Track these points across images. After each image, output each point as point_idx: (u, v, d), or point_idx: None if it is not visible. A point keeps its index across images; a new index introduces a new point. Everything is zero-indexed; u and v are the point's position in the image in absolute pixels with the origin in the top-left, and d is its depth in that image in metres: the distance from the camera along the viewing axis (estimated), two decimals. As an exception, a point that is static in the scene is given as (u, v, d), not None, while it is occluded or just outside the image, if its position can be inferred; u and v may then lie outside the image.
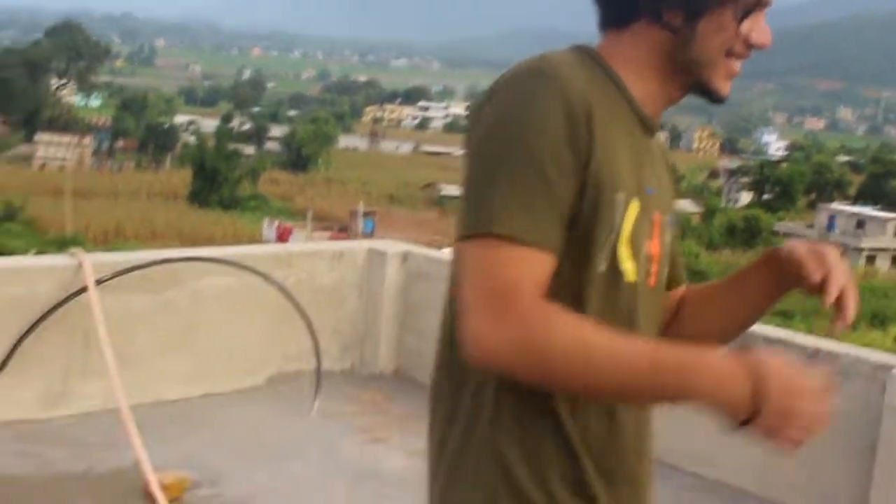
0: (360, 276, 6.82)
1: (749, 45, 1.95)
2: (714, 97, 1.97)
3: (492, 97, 1.80)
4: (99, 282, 5.62)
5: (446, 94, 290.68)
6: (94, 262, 5.68)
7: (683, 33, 1.90)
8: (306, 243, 7.49)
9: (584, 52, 1.92)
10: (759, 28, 1.94)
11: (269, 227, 63.91)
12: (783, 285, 2.02)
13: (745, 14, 1.91)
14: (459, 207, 1.77)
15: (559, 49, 1.94)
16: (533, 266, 1.70)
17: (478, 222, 1.72)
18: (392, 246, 7.02)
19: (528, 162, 1.72)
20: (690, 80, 1.96)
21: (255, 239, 60.49)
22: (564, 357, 1.66)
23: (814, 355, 5.30)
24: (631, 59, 1.93)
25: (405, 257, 6.87)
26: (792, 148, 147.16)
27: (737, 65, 1.96)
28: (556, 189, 1.73)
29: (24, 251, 52.96)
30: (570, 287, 1.78)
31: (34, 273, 5.64)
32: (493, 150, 1.75)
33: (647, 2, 1.90)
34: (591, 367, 1.66)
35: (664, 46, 1.92)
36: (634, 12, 1.92)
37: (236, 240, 62.04)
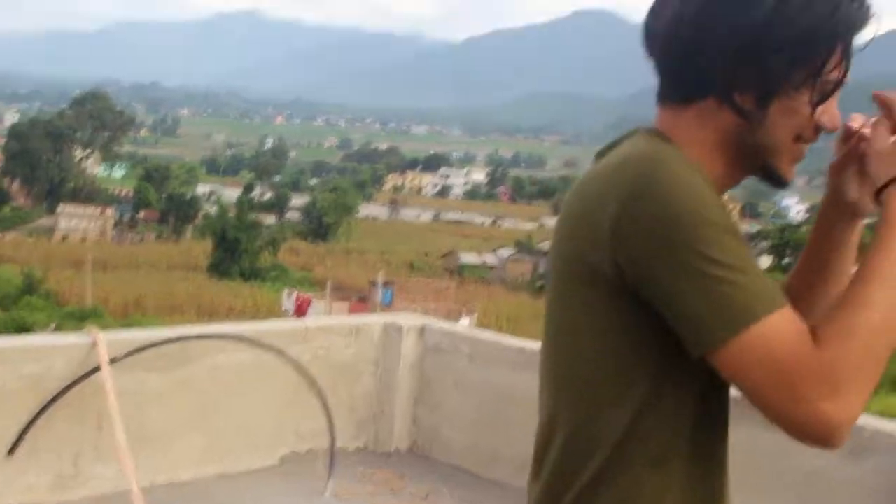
0: (377, 351, 6.77)
1: (819, 130, 1.86)
2: (778, 183, 1.89)
3: (633, 192, 1.69)
4: (113, 360, 5.58)
5: (467, 161, 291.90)
6: (108, 340, 5.64)
7: (754, 117, 1.81)
8: (323, 318, 7.47)
9: (659, 137, 1.84)
10: (830, 111, 1.85)
11: (288, 299, 63.97)
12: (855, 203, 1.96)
13: (822, 99, 1.82)
14: (692, 315, 1.65)
15: (628, 134, 1.89)
16: (798, 323, 1.66)
17: (739, 316, 1.63)
18: (409, 319, 6.97)
19: (734, 237, 1.67)
20: (755, 164, 1.87)
21: (275, 310, 60.51)
22: (878, 338, 1.65)
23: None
24: (697, 140, 1.84)
25: (422, 331, 6.83)
26: (812, 210, 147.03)
27: (804, 149, 1.88)
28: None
29: (43, 325, 53.17)
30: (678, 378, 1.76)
31: (49, 351, 5.61)
32: (695, 240, 1.64)
33: (719, 81, 1.80)
34: (886, 320, 1.66)
35: (732, 129, 1.83)
36: (703, 90, 1.83)
37: (256, 311, 62.21)
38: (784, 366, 1.62)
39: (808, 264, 2.07)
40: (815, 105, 1.81)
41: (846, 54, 1.82)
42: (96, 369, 5.51)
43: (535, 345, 6.00)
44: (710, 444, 1.83)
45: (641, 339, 1.73)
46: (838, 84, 1.83)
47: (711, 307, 1.63)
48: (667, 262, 1.66)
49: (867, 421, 5.24)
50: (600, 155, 1.92)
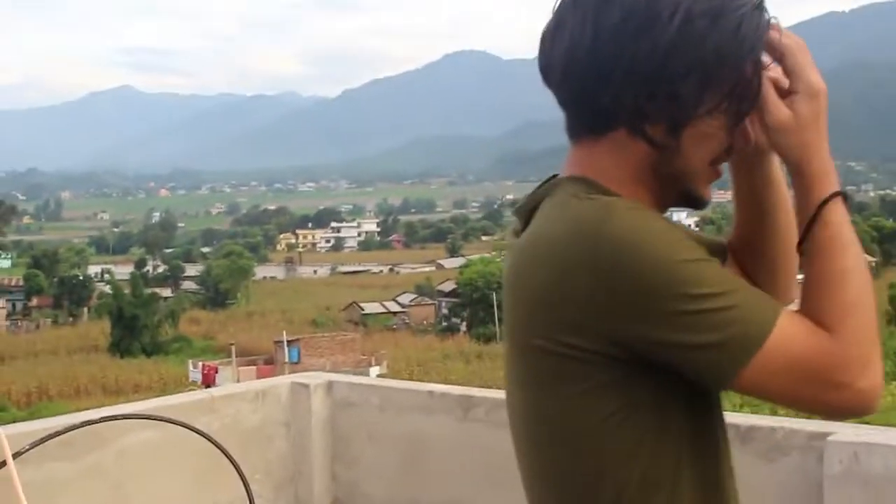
0: (286, 412, 6.70)
1: (731, 149, 1.79)
2: (698, 205, 1.83)
3: (598, 261, 1.61)
4: (17, 454, 5.45)
5: (356, 212, 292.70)
6: (10, 434, 5.49)
7: (667, 147, 1.73)
8: (228, 386, 7.37)
9: (588, 185, 1.74)
10: (740, 128, 1.78)
11: (194, 369, 63.36)
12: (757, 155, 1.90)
13: (738, 122, 1.75)
14: (706, 355, 1.62)
15: (550, 186, 1.79)
16: (802, 318, 1.67)
17: (751, 335, 1.61)
18: (315, 378, 6.92)
19: (709, 263, 1.64)
20: (675, 191, 1.79)
21: (183, 382, 59.85)
22: (868, 301, 1.68)
23: (749, 433, 5.27)
24: (616, 176, 1.75)
25: (329, 387, 6.77)
26: (702, 222, 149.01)
27: (720, 169, 1.82)
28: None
29: (-54, 424, 51.62)
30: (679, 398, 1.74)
31: (-50, 453, 5.46)
32: (679, 284, 1.59)
33: (627, 112, 1.71)
34: (864, 282, 1.70)
35: (646, 160, 1.74)
36: (610, 122, 1.74)
37: (163, 385, 61.47)
38: (811, 363, 1.63)
39: (748, 214, 2.00)
40: (730, 129, 1.75)
41: (756, 70, 1.73)
42: (1, 465, 5.38)
43: (444, 387, 6.01)
44: (713, 468, 1.84)
45: (639, 402, 1.69)
46: (752, 102, 1.74)
47: (722, 339, 1.60)
48: (662, 317, 1.61)
49: (780, 422, 5.31)
50: (523, 212, 1.83)
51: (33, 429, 5.87)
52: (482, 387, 5.75)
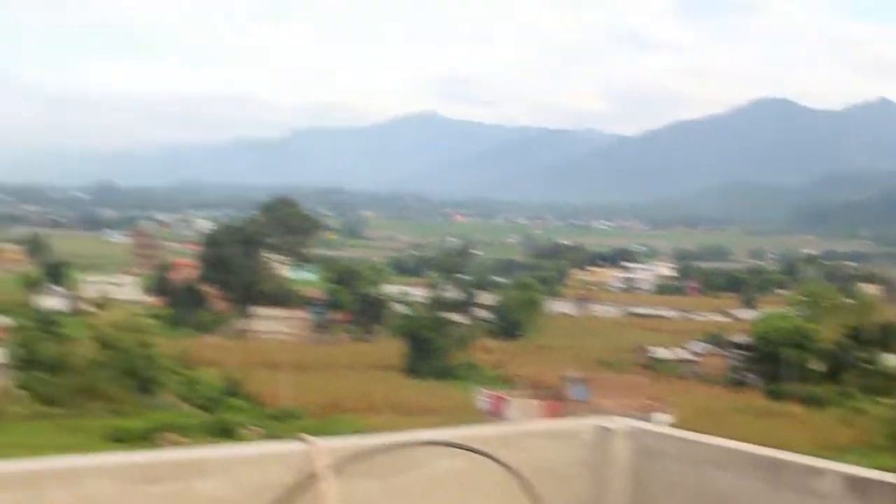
0: (587, 454, 6.67)
1: None
2: None
3: None
4: (331, 467, 5.63)
5: (650, 254, 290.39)
6: (323, 447, 5.69)
7: None
8: (531, 421, 7.38)
9: None
10: None
11: (482, 398, 64.20)
12: None
13: None
14: None
15: None
16: None
17: None
18: (619, 422, 6.87)
19: None
20: None
21: (469, 409, 60.60)
22: None
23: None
24: None
25: (632, 433, 6.72)
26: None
27: None
28: None
29: (245, 425, 54.16)
30: None
31: (264, 459, 5.67)
32: None
33: None
34: None
35: None
36: None
37: (451, 410, 62.34)
38: None
39: None
40: None
41: None
42: (313, 476, 5.56)
43: (750, 447, 5.88)
44: None
45: None
46: None
47: None
48: None
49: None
50: None
51: (344, 445, 6.05)
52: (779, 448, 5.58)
